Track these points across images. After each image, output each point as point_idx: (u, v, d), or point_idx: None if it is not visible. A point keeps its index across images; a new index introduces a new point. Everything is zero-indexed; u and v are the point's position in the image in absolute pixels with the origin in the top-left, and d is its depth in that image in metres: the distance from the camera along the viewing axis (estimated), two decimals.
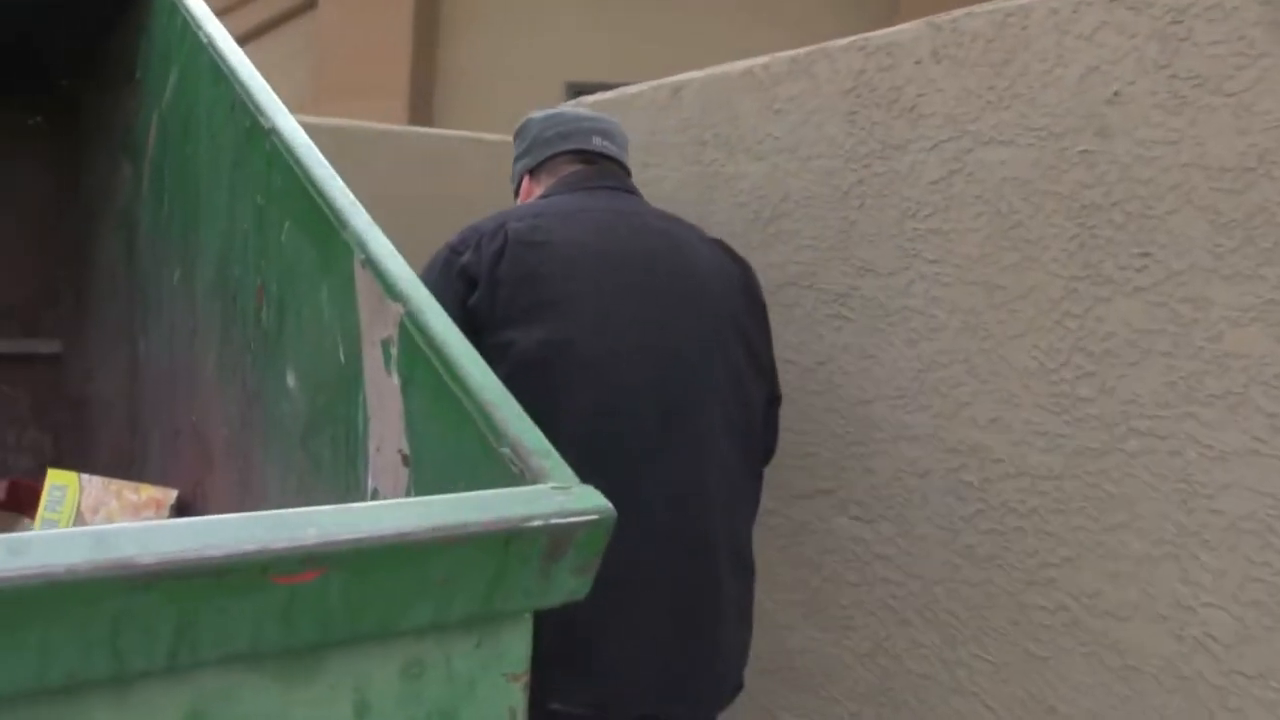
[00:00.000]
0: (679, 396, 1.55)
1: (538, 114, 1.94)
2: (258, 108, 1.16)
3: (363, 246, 0.95)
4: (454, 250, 1.62)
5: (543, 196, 1.80)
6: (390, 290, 0.90)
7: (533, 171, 1.89)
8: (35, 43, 1.85)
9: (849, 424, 1.81)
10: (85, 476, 1.26)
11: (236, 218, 1.21)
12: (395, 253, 0.94)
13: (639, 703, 1.46)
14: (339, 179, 1.05)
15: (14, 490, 1.41)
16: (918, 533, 1.67)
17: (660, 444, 1.51)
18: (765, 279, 1.99)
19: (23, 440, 2.04)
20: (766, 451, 1.76)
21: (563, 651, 1.40)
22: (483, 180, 4.12)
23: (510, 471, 0.75)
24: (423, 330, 0.85)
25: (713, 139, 2.16)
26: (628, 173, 1.90)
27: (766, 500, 2.00)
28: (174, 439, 1.37)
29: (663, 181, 2.33)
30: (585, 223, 1.63)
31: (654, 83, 2.36)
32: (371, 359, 0.91)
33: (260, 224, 1.14)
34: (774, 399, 1.75)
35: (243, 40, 4.85)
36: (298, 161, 1.05)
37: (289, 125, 1.12)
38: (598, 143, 1.84)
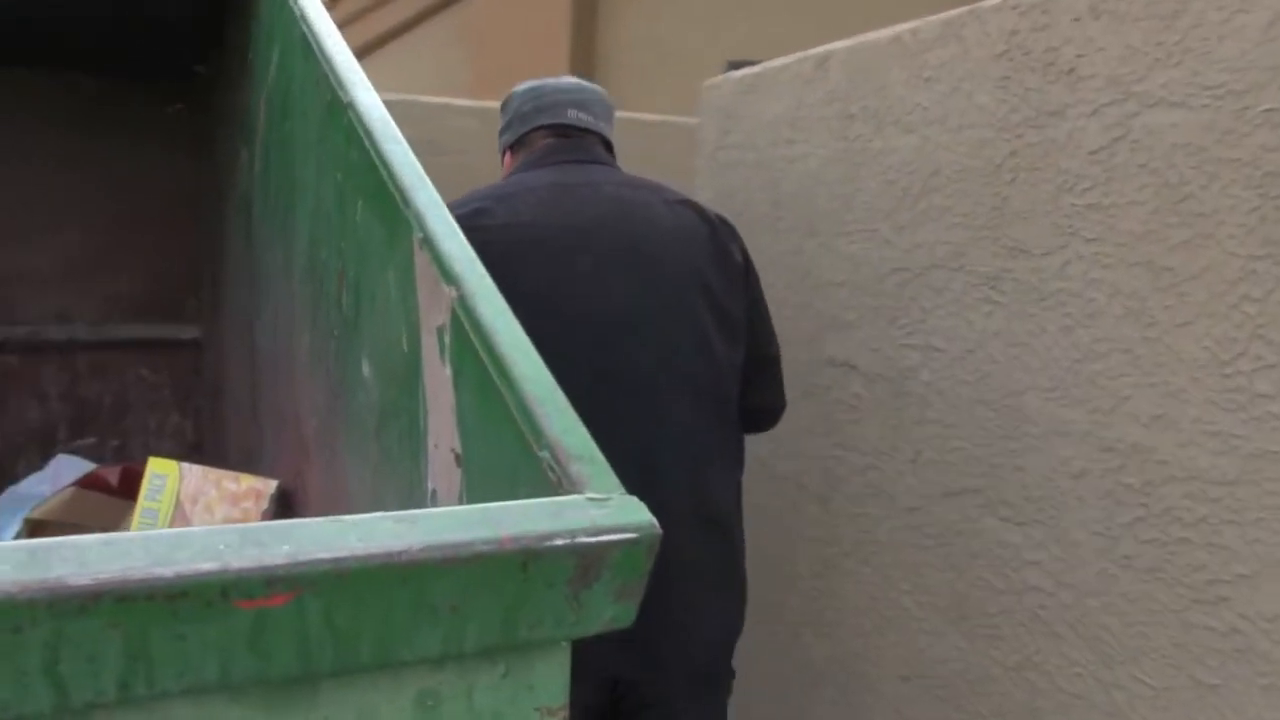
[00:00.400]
0: (623, 364, 1.58)
1: (520, 87, 1.95)
2: (339, 81, 1.12)
3: (421, 224, 0.89)
4: None
5: (514, 171, 1.84)
6: (445, 273, 0.84)
7: (513, 147, 1.92)
8: (169, 28, 1.89)
9: (998, 417, 1.67)
10: (185, 465, 1.27)
11: (322, 197, 1.18)
12: (456, 231, 0.88)
13: (600, 665, 1.49)
14: (412, 154, 1.00)
15: (126, 477, 1.44)
16: (1071, 539, 1.52)
17: (602, 412, 1.40)
18: (913, 260, 1.86)
19: (165, 426, 2.10)
20: (760, 410, 1.84)
21: None
22: (638, 162, 4.06)
23: (547, 478, 0.67)
24: (472, 316, 0.78)
25: (860, 112, 2.03)
26: (605, 142, 1.91)
27: (911, 498, 1.87)
28: (280, 427, 1.37)
29: (808, 159, 2.21)
30: (530, 201, 1.66)
31: (798, 55, 2.24)
32: (429, 348, 0.86)
33: (340, 203, 1.11)
34: (766, 358, 1.82)
35: (400, 29, 4.98)
36: (370, 135, 1.01)
37: (368, 99, 1.08)
38: (572, 115, 1.85)
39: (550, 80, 1.96)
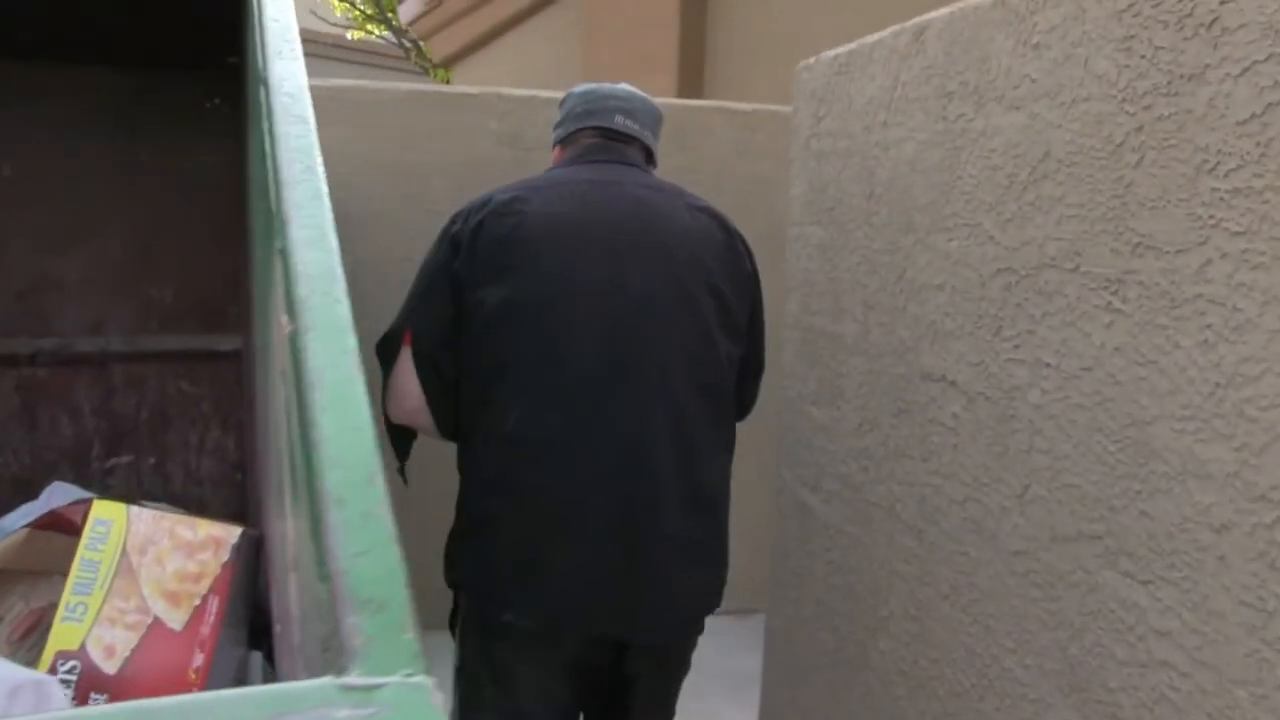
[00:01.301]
0: (632, 349, 1.73)
1: (577, 89, 2.10)
2: (264, 53, 0.92)
3: (285, 229, 0.68)
4: (451, 220, 1.90)
5: (557, 166, 2.02)
6: (290, 296, 0.62)
7: (562, 143, 2.08)
8: (201, 17, 1.74)
9: (1120, 451, 1.37)
10: (135, 510, 1.09)
11: (264, 189, 0.99)
12: (324, 237, 0.66)
13: (588, 623, 1.70)
14: (313, 137, 0.79)
15: (57, 521, 1.27)
16: (1212, 607, 1.22)
17: (608, 392, 1.71)
18: (1020, 260, 1.58)
19: (206, 442, 1.96)
20: (740, 407, 1.99)
21: (518, 573, 1.67)
22: (734, 152, 3.83)
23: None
24: (298, 362, 0.56)
25: (959, 89, 1.75)
26: (646, 149, 2.07)
27: (1016, 539, 1.60)
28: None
29: (904, 144, 1.94)
30: (563, 193, 1.84)
31: (894, 28, 1.97)
32: (278, 395, 0.65)
33: (253, 199, 0.91)
34: (757, 364, 2.01)
35: (512, 21, 4.82)
36: (271, 113, 0.80)
37: (284, 71, 0.88)
38: (619, 121, 2.01)
39: (606, 86, 2.09)
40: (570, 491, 1.68)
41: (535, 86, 3.64)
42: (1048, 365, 1.52)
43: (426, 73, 10.30)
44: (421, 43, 9.40)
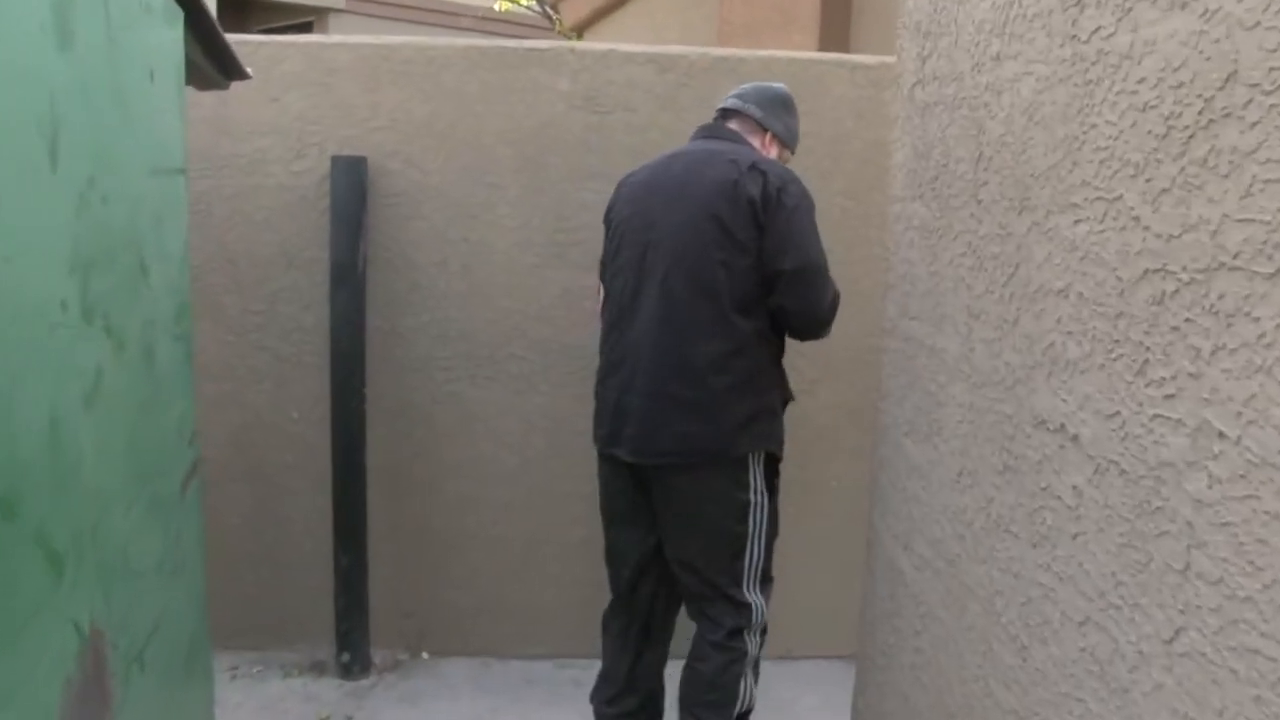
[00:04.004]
0: (647, 265, 2.39)
1: None
2: None
3: None
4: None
5: None
6: None
7: None
8: None
9: None
10: None
11: None
12: None
13: (625, 450, 2.40)
14: None
15: None
16: None
17: (633, 296, 2.41)
18: (1182, 254, 0.98)
19: None
20: (783, 311, 2.36)
21: (594, 410, 2.52)
22: (854, 113, 3.19)
23: None
24: None
25: None
26: (747, 117, 2.54)
27: (1159, 711, 0.99)
28: None
29: (1020, 84, 1.34)
30: (652, 164, 2.51)
31: None
32: None
33: None
34: (778, 271, 2.31)
35: None
36: None
37: None
38: (729, 100, 2.57)
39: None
40: (610, 363, 2.46)
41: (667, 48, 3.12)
42: (1222, 436, 0.91)
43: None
44: (551, 10, 9.02)
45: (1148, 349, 1.03)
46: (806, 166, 3.03)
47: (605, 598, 2.58)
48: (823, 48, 4.60)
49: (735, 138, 2.49)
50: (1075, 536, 1.18)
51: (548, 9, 10.41)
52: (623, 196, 2.50)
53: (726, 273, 2.31)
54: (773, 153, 2.52)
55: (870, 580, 2.13)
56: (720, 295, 2.32)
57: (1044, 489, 1.27)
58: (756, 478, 2.39)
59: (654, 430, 2.36)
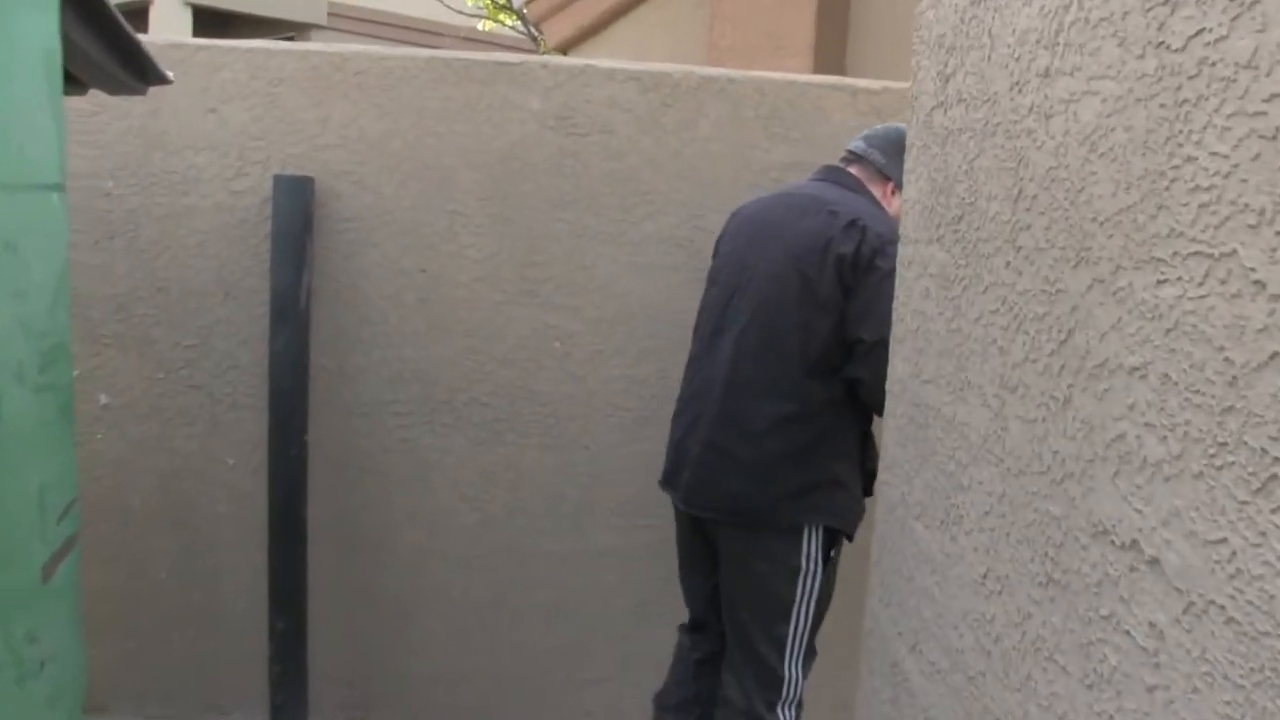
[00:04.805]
0: (730, 310, 2.34)
1: None
2: None
3: None
4: None
5: None
6: None
7: None
8: None
9: None
10: None
11: None
12: None
13: (679, 496, 2.40)
14: None
15: None
16: None
17: (713, 338, 2.37)
18: None
19: None
20: (853, 381, 2.25)
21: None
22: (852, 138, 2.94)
23: None
24: None
25: None
26: (870, 164, 2.44)
27: None
28: None
29: (1079, 105, 1.09)
30: (759, 201, 2.46)
31: None
32: None
33: None
34: (855, 340, 2.22)
35: (631, 1, 4.01)
36: None
37: None
38: (854, 143, 2.49)
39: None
40: (683, 398, 2.43)
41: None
42: None
43: None
44: (536, 30, 8.79)
45: (1274, 460, 0.76)
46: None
47: (576, 665, 2.47)
48: (817, 73, 4.36)
49: (854, 185, 2.38)
50: (1153, 690, 0.91)
51: (532, 29, 10.19)
52: (729, 231, 2.46)
53: (803, 334, 2.24)
54: (895, 205, 2.36)
55: (868, 675, 1.84)
56: (792, 355, 2.25)
57: (1105, 617, 0.99)
58: (812, 548, 2.29)
59: (707, 483, 2.33)
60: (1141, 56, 0.96)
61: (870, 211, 2.28)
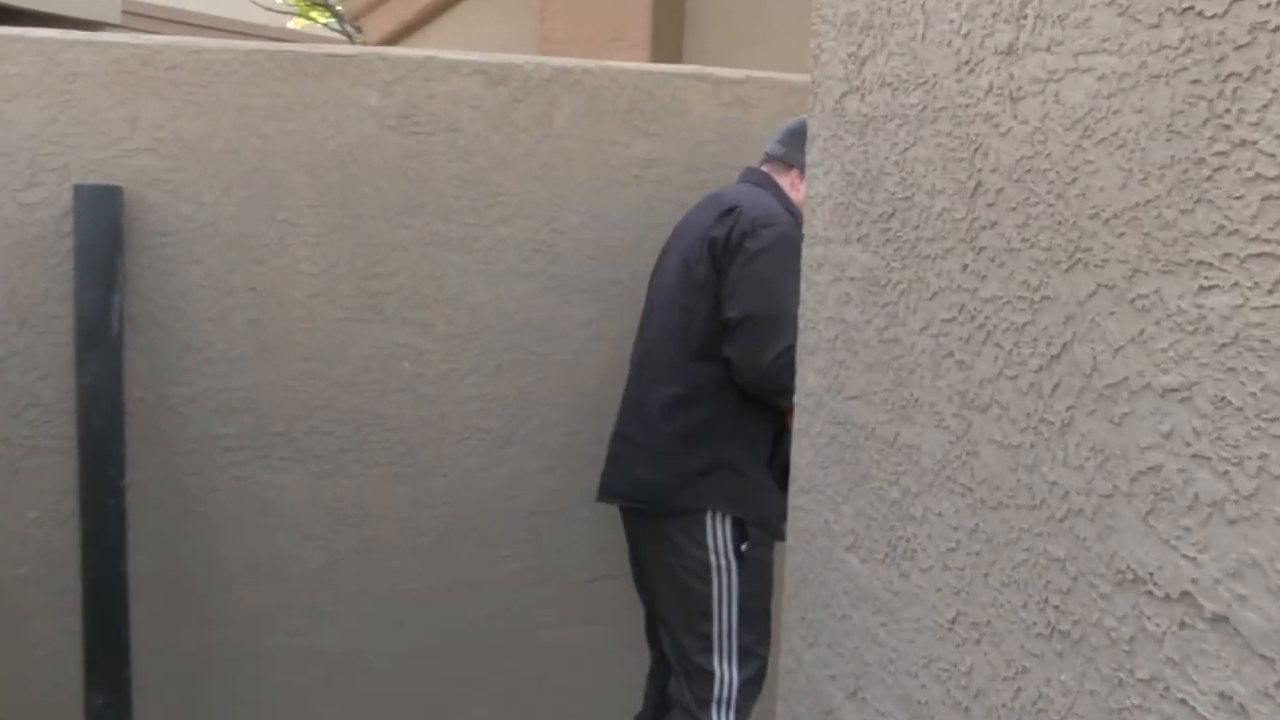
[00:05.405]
0: (646, 313, 2.46)
1: None
2: None
3: None
4: None
5: None
6: None
7: None
8: None
9: None
10: None
11: None
12: None
13: (599, 492, 2.46)
14: None
15: None
16: None
17: (636, 344, 2.48)
18: None
19: None
20: (730, 361, 2.27)
21: None
22: (717, 135, 2.81)
23: None
24: None
25: None
26: (771, 159, 2.47)
27: None
28: None
29: (1059, 86, 0.94)
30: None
31: None
32: None
33: None
34: (726, 320, 2.25)
35: None
36: None
37: None
38: (768, 144, 2.52)
39: None
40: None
41: None
42: None
43: None
44: (349, 25, 8.39)
45: None
46: (664, 198, 2.62)
47: (444, 710, 2.40)
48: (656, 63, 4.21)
49: (760, 180, 2.42)
50: None
51: (348, 27, 9.73)
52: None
53: (685, 316, 2.30)
54: (802, 189, 2.35)
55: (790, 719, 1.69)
56: (676, 339, 2.31)
57: (1144, 681, 0.85)
58: (718, 539, 2.28)
59: (615, 472, 2.39)
60: (1157, 25, 0.82)
61: (756, 200, 2.32)
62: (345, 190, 2.47)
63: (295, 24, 11.02)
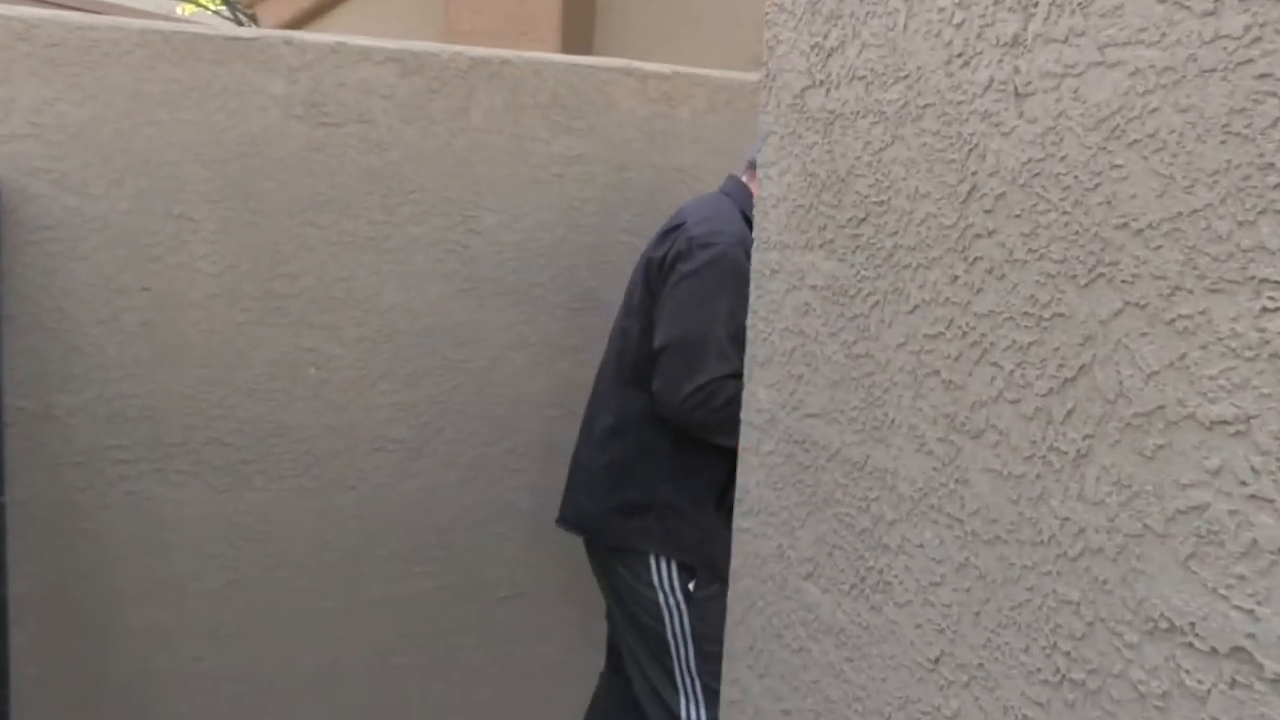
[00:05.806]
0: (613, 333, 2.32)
1: None
2: None
3: None
4: None
5: None
6: None
7: None
8: None
9: None
10: None
11: None
12: None
13: (559, 513, 2.35)
14: None
15: None
16: None
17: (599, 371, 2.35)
18: None
19: None
20: (654, 394, 2.11)
21: None
22: (643, 131, 2.69)
23: None
24: None
25: None
26: (751, 168, 2.23)
27: None
28: None
29: (1079, 81, 0.85)
30: None
31: None
32: None
33: None
34: (658, 341, 2.09)
35: None
36: None
37: None
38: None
39: None
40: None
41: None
42: None
43: None
44: (243, 14, 8.06)
45: None
46: (588, 197, 2.50)
47: None
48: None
49: (731, 188, 2.25)
50: None
51: (240, 14, 9.35)
52: None
53: (622, 340, 2.20)
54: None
55: None
56: (614, 365, 2.22)
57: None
58: (663, 579, 2.16)
59: (566, 498, 2.32)
60: (1212, 13, 0.73)
61: (710, 214, 2.15)
62: (247, 184, 2.29)
63: (184, 10, 10.57)
